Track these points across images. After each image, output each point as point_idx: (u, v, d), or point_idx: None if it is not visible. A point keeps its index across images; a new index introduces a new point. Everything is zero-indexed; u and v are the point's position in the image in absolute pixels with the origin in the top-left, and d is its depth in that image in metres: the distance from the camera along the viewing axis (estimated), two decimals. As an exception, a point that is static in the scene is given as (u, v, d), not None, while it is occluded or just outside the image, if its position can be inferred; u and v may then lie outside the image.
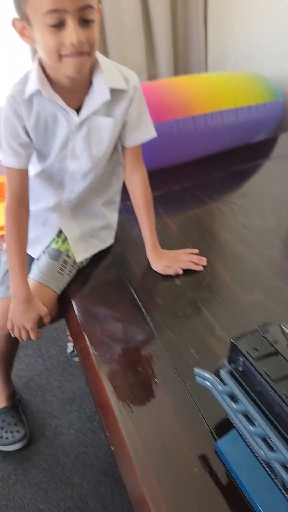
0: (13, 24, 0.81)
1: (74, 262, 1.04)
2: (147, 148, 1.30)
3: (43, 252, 1.06)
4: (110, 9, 1.85)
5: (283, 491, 0.55)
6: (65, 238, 1.06)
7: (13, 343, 1.15)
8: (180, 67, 2.15)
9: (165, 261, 1.02)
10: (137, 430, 0.70)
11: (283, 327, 0.56)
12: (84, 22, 0.76)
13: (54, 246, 1.06)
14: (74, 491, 1.06)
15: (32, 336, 0.96)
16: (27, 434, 1.18)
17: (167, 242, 1.10)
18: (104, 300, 0.99)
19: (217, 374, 0.64)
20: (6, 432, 1.17)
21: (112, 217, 1.13)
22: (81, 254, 1.06)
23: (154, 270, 1.02)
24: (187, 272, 1.00)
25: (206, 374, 0.59)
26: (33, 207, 1.04)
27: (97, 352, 0.84)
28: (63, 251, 1.04)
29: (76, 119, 0.90)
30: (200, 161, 1.44)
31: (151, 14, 1.95)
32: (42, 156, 0.98)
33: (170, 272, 1.00)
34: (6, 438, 1.16)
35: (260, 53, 1.73)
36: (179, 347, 0.83)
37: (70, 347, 1.36)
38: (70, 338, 1.27)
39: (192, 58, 2.12)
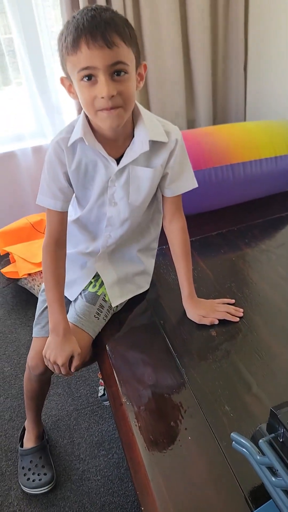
0: (62, 82, 0.88)
1: (110, 306, 1.05)
2: (184, 194, 1.32)
3: (80, 295, 1.08)
4: (152, 56, 1.93)
5: None
6: (102, 282, 1.07)
7: (45, 383, 1.16)
8: (218, 114, 2.19)
9: (201, 311, 1.01)
10: (169, 491, 0.68)
11: None
12: (117, 77, 0.79)
13: (91, 290, 1.07)
14: None
15: (63, 371, 0.96)
16: (54, 477, 1.16)
17: (202, 289, 1.10)
18: (138, 346, 0.98)
19: (254, 440, 0.62)
20: (33, 474, 1.16)
21: (149, 263, 1.14)
22: (117, 298, 1.07)
23: (189, 320, 1.01)
24: (223, 323, 0.99)
25: (244, 441, 0.58)
26: (71, 250, 1.08)
27: (129, 402, 0.84)
28: (100, 295, 1.06)
29: (115, 167, 0.93)
30: (238, 207, 1.44)
31: (192, 62, 2.02)
32: (81, 202, 1.02)
33: (206, 322, 0.99)
34: (33, 481, 1.15)
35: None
36: (214, 404, 0.81)
37: (101, 390, 1.35)
38: (101, 381, 1.26)
39: (231, 105, 2.17)
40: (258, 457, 0.55)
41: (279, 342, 0.93)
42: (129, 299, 1.11)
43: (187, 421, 0.79)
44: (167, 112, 2.08)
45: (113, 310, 1.07)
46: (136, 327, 1.05)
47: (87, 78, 0.78)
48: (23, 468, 1.18)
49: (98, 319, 1.03)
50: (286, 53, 1.81)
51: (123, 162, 0.93)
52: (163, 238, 1.32)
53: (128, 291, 1.10)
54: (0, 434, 1.32)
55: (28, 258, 1.77)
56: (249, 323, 0.99)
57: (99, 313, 1.03)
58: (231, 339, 0.95)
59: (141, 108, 0.94)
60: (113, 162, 0.93)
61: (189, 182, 1.02)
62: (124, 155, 0.93)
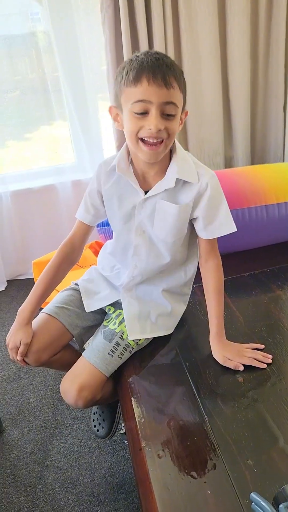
0: (110, 111, 0.97)
1: (128, 345, 1.04)
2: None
3: (101, 332, 1.07)
4: (192, 94, 1.97)
5: None
6: (123, 319, 1.07)
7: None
8: (257, 154, 2.19)
9: (227, 353, 0.98)
10: None
11: None
12: (166, 116, 0.88)
13: (111, 327, 1.07)
14: None
15: (11, 356, 1.07)
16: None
17: (231, 332, 1.07)
18: (161, 387, 0.96)
19: (276, 501, 0.58)
20: None
21: (177, 307, 1.13)
22: (135, 333, 1.05)
23: (216, 362, 0.99)
24: (251, 369, 0.96)
25: (263, 503, 0.54)
26: (107, 273, 1.17)
27: (148, 448, 0.81)
28: (118, 332, 1.05)
29: (141, 196, 1.00)
30: (272, 248, 1.41)
31: (231, 101, 2.05)
32: (112, 224, 1.09)
33: (230, 365, 0.96)
34: None
35: None
36: (237, 456, 0.77)
37: (123, 428, 1.31)
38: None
39: (269, 145, 2.16)
40: (278, 524, 0.51)
41: (309, 394, 0.88)
42: (153, 339, 1.09)
43: (208, 473, 0.75)
44: (206, 150, 2.10)
45: (132, 348, 1.05)
46: (160, 366, 1.03)
47: (141, 113, 0.87)
48: None
49: (113, 356, 1.02)
50: None
51: (150, 193, 0.99)
52: (197, 276, 1.31)
53: (148, 329, 1.08)
54: (21, 468, 1.30)
55: (60, 289, 1.79)
56: (279, 370, 0.95)
57: (114, 350, 1.03)
58: (258, 387, 0.91)
59: (179, 147, 0.99)
60: (141, 192, 1.00)
61: (225, 227, 1.02)
62: (153, 187, 0.99)
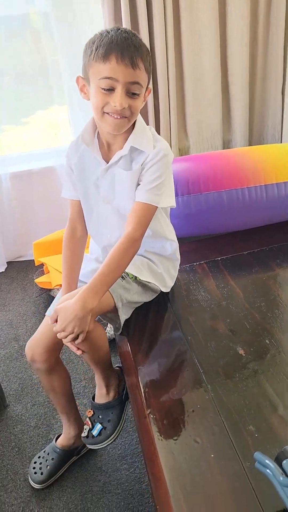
0: (77, 81, 1.00)
1: (126, 274, 1.06)
2: (218, 214, 1.34)
3: None
4: (191, 76, 1.97)
5: None
6: None
7: (58, 376, 1.14)
8: (255, 135, 2.20)
9: (64, 313, 0.90)
10: (189, 507, 0.68)
11: None
12: (131, 94, 0.92)
13: None
14: None
15: (81, 338, 0.90)
16: None
17: (232, 307, 1.10)
18: (164, 360, 0.99)
19: (278, 461, 0.61)
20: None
21: (161, 264, 1.14)
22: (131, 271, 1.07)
23: (217, 337, 1.01)
24: (250, 343, 0.99)
25: (267, 461, 0.57)
26: (92, 245, 1.19)
27: (153, 415, 0.84)
28: None
29: (103, 166, 1.04)
30: (271, 227, 1.44)
31: (230, 82, 2.05)
32: (81, 197, 1.11)
33: (53, 320, 0.93)
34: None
35: None
36: (239, 423, 0.80)
37: (85, 431, 1.13)
38: (88, 421, 1.10)
39: (267, 127, 2.17)
40: (281, 478, 0.54)
41: (308, 365, 0.91)
42: (155, 312, 1.12)
43: (211, 439, 0.78)
44: (204, 133, 2.10)
45: (130, 279, 1.06)
46: (163, 340, 1.06)
47: (107, 89, 0.90)
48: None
49: (122, 281, 1.04)
50: None
51: (110, 163, 1.03)
52: (193, 255, 1.33)
53: (141, 268, 1.10)
54: (25, 441, 1.34)
55: (61, 269, 1.81)
56: (278, 343, 0.98)
57: (123, 277, 1.05)
58: (259, 359, 0.94)
59: (140, 121, 1.04)
60: (102, 162, 1.04)
61: (163, 199, 1.02)
62: (113, 157, 1.03)
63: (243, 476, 0.71)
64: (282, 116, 2.11)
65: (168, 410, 0.85)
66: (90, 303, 0.91)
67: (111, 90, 0.91)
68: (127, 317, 1.08)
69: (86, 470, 1.24)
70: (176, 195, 1.32)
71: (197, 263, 1.29)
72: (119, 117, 0.93)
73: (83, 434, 1.11)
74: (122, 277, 1.05)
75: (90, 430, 1.08)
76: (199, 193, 1.30)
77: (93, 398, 1.14)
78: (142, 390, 0.91)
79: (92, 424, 1.09)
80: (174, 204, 1.07)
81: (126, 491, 1.17)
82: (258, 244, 1.35)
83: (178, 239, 1.18)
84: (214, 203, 1.31)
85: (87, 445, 1.12)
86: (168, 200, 1.05)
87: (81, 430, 1.25)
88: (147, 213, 1.02)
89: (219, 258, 1.30)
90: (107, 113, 0.94)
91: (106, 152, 1.05)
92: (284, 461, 0.54)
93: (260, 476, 0.68)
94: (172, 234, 1.16)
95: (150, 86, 0.99)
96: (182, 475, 0.73)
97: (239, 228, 1.41)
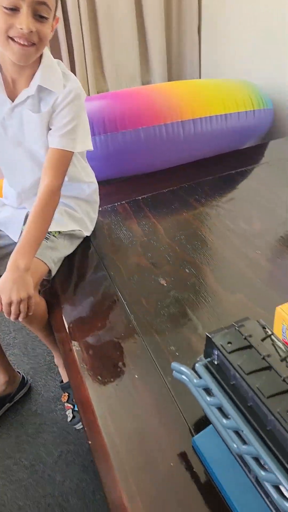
0: None
1: (48, 234, 1.04)
2: (137, 152, 1.33)
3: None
4: (104, 17, 1.88)
5: (256, 486, 0.56)
6: None
7: None
8: (173, 75, 2.18)
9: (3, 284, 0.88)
10: (116, 425, 0.71)
11: (259, 322, 0.57)
12: (38, 17, 0.84)
13: None
14: (55, 488, 1.06)
15: (23, 308, 0.87)
16: None
17: (153, 242, 1.12)
18: (88, 296, 1.00)
19: (194, 369, 0.65)
20: None
21: (78, 207, 1.13)
22: (53, 227, 1.04)
23: (139, 271, 1.03)
24: (172, 273, 1.02)
25: (183, 368, 0.60)
26: (6, 189, 1.13)
27: (78, 347, 0.85)
28: None
29: (8, 105, 0.95)
30: (189, 165, 1.46)
31: (146, 23, 1.98)
32: None
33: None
34: None
35: (251, 62, 1.76)
36: (161, 344, 0.84)
37: (69, 414, 1.19)
38: (68, 405, 1.17)
39: (185, 66, 2.15)
40: (195, 381, 0.58)
41: (224, 287, 0.96)
42: (81, 254, 1.11)
43: (134, 361, 0.81)
44: (122, 76, 2.04)
45: (54, 237, 1.05)
46: (87, 278, 1.06)
47: (11, 9, 0.81)
48: None
49: (47, 242, 1.02)
50: (239, 15, 1.80)
51: (15, 101, 0.95)
52: (114, 196, 1.32)
53: (61, 219, 1.08)
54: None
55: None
56: (197, 271, 1.02)
57: (47, 238, 1.02)
58: (180, 287, 0.98)
59: (48, 55, 0.96)
60: (7, 101, 0.95)
61: (79, 143, 0.98)
62: (18, 96, 0.95)
63: (166, 390, 0.75)
64: (200, 54, 2.10)
65: (93, 340, 0.87)
66: (21, 263, 0.89)
67: (15, 10, 0.81)
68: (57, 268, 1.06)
69: (21, 415, 1.25)
70: (93, 135, 1.29)
71: (118, 203, 1.29)
72: (26, 43, 0.84)
73: (68, 419, 1.15)
74: (46, 238, 1.01)
75: (73, 410, 1.16)
76: (116, 132, 1.28)
77: (61, 382, 1.22)
78: (67, 326, 0.91)
79: (72, 405, 1.16)
80: (91, 147, 1.03)
81: (62, 429, 1.20)
82: (177, 182, 1.37)
83: (98, 182, 1.17)
84: (132, 142, 1.29)
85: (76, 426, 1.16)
86: (84, 143, 1.00)
87: (12, 377, 1.25)
88: (64, 160, 0.98)
89: (139, 197, 1.31)
90: (12, 38, 0.84)
91: (12, 90, 0.96)
92: (197, 364, 0.58)
93: (181, 387, 0.73)
94: (89, 177, 1.14)
95: (59, 16, 0.90)
96: (108, 397, 0.75)
97: (159, 167, 1.42)
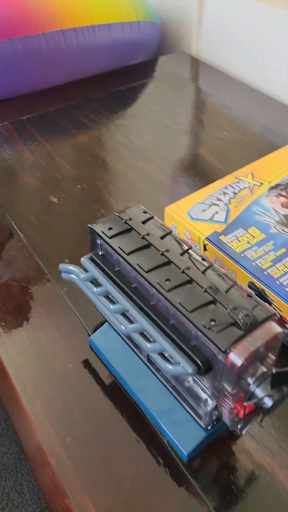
0: None
1: None
2: (15, 66, 1.21)
3: None
4: None
5: (148, 365, 0.58)
6: None
7: None
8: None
9: None
10: (11, 339, 0.68)
11: (140, 207, 0.56)
12: None
13: None
14: None
15: None
16: None
17: (42, 162, 1.05)
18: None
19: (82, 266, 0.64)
20: None
21: None
22: None
23: (27, 191, 0.97)
24: (62, 190, 0.97)
25: (70, 267, 0.58)
26: None
27: None
28: None
29: None
30: (77, 82, 1.37)
31: None
32: None
33: None
34: None
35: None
36: (55, 260, 0.81)
37: None
38: None
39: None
40: (82, 276, 0.56)
41: (117, 199, 0.95)
42: None
43: (28, 278, 0.78)
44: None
45: None
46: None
47: None
48: None
49: None
50: None
51: None
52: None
53: None
54: None
55: None
56: (90, 186, 0.99)
57: None
58: (70, 203, 0.94)
59: None
60: None
61: None
62: None
63: (62, 300, 0.73)
64: None
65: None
66: None
67: None
68: None
69: None
70: None
71: (1, 124, 1.19)
72: None
73: None
74: None
75: None
76: (-12, 43, 1.14)
77: None
78: None
79: None
80: None
81: None
82: (65, 100, 1.29)
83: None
84: (8, 55, 1.17)
85: None
86: None
87: None
88: None
89: (24, 117, 1.21)
90: None
91: None
92: (82, 258, 0.56)
93: (76, 295, 0.72)
94: None
95: None
96: (5, 313, 0.72)
97: (44, 84, 1.32)
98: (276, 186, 0.83)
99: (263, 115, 1.22)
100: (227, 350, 0.41)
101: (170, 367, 0.46)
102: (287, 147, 0.95)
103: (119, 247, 0.51)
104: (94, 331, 0.68)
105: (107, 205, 0.93)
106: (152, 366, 0.57)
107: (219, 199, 0.79)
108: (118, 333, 0.64)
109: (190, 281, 0.46)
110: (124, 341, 0.62)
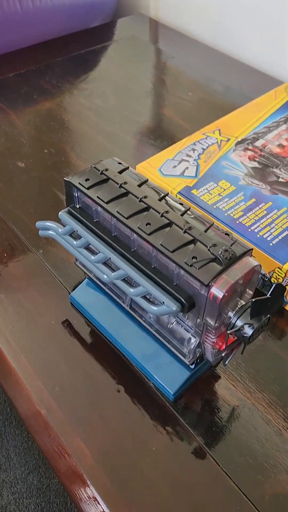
0: None
1: None
2: None
3: None
4: None
5: (131, 311, 0.60)
6: None
7: None
8: None
9: None
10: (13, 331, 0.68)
11: (114, 159, 0.57)
12: None
13: None
14: None
15: None
16: None
17: (5, 128, 1.03)
18: None
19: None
20: None
21: None
22: None
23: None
24: (29, 156, 0.96)
25: (47, 223, 0.58)
26: None
27: None
28: None
29: None
30: (36, 47, 1.33)
31: None
32: None
33: None
34: None
35: None
36: (28, 223, 0.81)
37: None
38: None
39: None
40: (60, 230, 0.57)
41: (85, 161, 0.95)
42: None
43: (5, 247, 0.77)
44: None
45: None
46: None
47: None
48: None
49: None
50: None
51: None
52: None
53: None
54: None
55: None
56: (57, 151, 0.97)
57: None
58: (38, 167, 0.93)
59: None
60: None
61: None
62: None
63: (38, 261, 0.73)
64: None
65: None
66: None
67: None
68: None
69: None
70: None
71: None
72: None
73: None
74: None
75: None
76: None
77: None
78: None
79: None
80: None
81: None
82: (24, 65, 1.25)
83: None
84: None
85: None
86: None
87: None
88: None
89: (-17, 84, 1.17)
90: None
91: None
92: (60, 212, 0.56)
93: (54, 258, 0.72)
94: None
95: None
96: (8, 312, 0.72)
97: (0, 49, 1.27)
98: (243, 141, 0.85)
99: (225, 75, 1.23)
100: (210, 284, 0.43)
101: (154, 308, 0.47)
102: (250, 104, 0.96)
103: (97, 197, 0.51)
104: (74, 289, 0.68)
105: (76, 167, 0.93)
106: (135, 313, 0.58)
107: (188, 155, 0.81)
108: (98, 288, 0.65)
109: (170, 223, 0.47)
110: (105, 294, 0.64)
